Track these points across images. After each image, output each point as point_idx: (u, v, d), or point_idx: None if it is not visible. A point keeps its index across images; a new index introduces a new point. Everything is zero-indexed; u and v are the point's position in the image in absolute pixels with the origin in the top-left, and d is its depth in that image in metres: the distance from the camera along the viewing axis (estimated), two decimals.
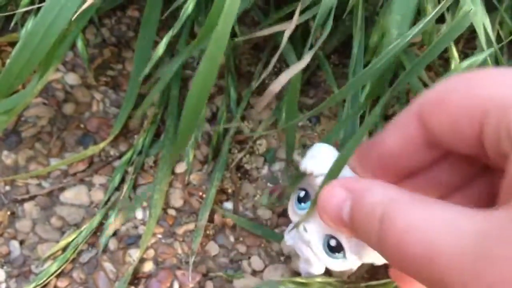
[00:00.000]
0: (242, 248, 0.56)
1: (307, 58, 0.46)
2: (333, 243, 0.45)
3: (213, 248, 0.55)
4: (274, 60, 0.49)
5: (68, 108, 0.62)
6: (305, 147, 0.62)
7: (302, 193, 0.47)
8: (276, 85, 0.45)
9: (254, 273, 0.54)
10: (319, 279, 0.51)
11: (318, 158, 0.45)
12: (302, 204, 0.47)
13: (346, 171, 0.42)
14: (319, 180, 0.44)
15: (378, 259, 0.45)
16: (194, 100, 0.43)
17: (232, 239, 0.56)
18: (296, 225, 0.46)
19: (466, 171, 0.31)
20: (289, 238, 0.50)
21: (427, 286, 0.24)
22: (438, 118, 0.28)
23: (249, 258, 0.55)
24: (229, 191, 0.58)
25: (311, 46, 0.49)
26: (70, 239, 0.54)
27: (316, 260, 0.47)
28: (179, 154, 0.59)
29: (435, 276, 0.22)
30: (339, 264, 0.46)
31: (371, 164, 0.34)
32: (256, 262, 0.55)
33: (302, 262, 0.50)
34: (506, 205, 0.21)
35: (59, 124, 0.61)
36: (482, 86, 0.25)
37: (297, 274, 0.52)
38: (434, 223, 0.22)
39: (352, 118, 0.50)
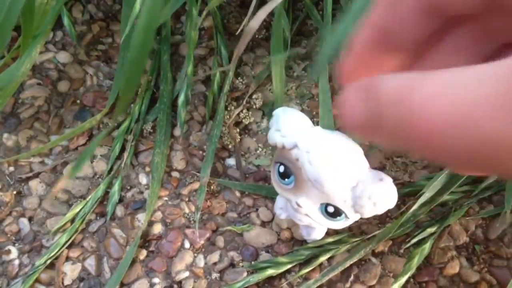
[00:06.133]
0: (249, 201, 0.55)
1: None
2: (331, 209, 0.44)
3: (220, 204, 0.55)
4: (262, 14, 0.48)
5: (63, 86, 0.62)
6: (303, 97, 0.61)
7: (281, 168, 0.45)
8: (255, 22, 0.44)
9: (263, 224, 0.54)
10: (330, 239, 0.50)
11: (285, 129, 0.43)
12: (286, 179, 0.45)
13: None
14: (294, 153, 0.42)
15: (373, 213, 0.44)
16: (140, 38, 0.42)
17: (238, 194, 0.56)
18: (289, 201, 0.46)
19: (473, 41, 0.28)
20: (282, 212, 0.49)
21: (459, 154, 0.21)
22: None
23: (257, 210, 0.55)
24: (230, 147, 0.58)
25: None
26: (77, 210, 0.54)
27: (317, 225, 0.47)
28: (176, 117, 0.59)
29: (467, 133, 0.19)
30: (341, 224, 0.45)
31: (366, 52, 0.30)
32: (264, 213, 0.55)
33: (303, 229, 0.49)
34: None
35: (56, 102, 0.61)
36: None
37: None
38: (459, 81, 0.20)
39: None
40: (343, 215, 0.44)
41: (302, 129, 0.43)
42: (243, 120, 0.60)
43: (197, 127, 0.60)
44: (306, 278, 0.51)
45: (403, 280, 0.50)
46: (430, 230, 0.52)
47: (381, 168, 0.56)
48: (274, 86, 0.55)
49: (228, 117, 0.59)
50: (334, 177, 0.41)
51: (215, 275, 0.52)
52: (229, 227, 0.54)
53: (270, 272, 0.50)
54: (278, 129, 0.43)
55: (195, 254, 0.53)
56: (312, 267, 0.51)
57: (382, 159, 0.57)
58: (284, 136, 0.43)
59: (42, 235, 0.54)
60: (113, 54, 0.64)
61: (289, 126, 0.43)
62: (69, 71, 0.62)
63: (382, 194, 0.41)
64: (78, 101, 0.61)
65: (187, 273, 0.51)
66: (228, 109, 0.60)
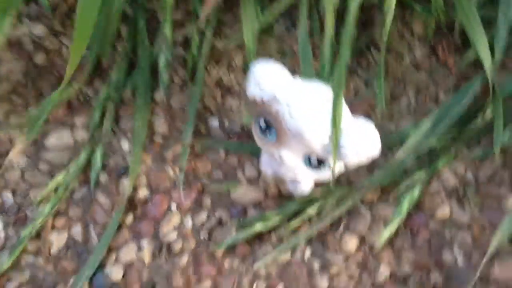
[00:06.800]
0: (233, 160, 0.55)
1: None
2: (314, 160, 0.43)
3: (204, 165, 0.54)
4: None
5: (39, 58, 0.61)
6: (285, 55, 0.60)
7: (262, 122, 0.44)
8: None
9: (250, 181, 0.53)
10: (317, 192, 0.49)
11: (263, 83, 0.42)
12: (268, 135, 0.44)
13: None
14: (274, 107, 0.41)
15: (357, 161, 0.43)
16: None
17: (222, 154, 0.55)
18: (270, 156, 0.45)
19: None
20: (267, 168, 0.48)
21: None
22: None
23: (242, 168, 0.54)
24: (212, 108, 0.57)
25: None
26: (59, 179, 0.53)
27: (303, 178, 0.46)
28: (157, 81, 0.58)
29: None
30: (326, 174, 0.45)
31: None
32: (250, 170, 0.54)
33: (289, 183, 0.48)
34: None
35: (33, 75, 0.60)
36: None
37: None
38: None
39: None
40: (326, 164, 0.43)
41: (281, 82, 0.42)
42: (225, 81, 0.59)
43: (178, 90, 0.59)
44: (295, 231, 0.50)
45: (393, 227, 0.49)
46: (419, 176, 0.51)
47: (366, 117, 0.55)
48: (244, 36, 0.54)
49: (209, 78, 0.58)
50: (315, 128, 0.41)
51: (203, 235, 0.51)
52: (215, 185, 0.53)
53: (259, 227, 0.50)
54: (256, 82, 0.42)
55: (183, 216, 0.52)
56: (301, 220, 0.50)
57: (366, 108, 0.56)
58: (263, 89, 0.42)
59: (26, 206, 0.53)
60: None
61: (268, 79, 0.42)
62: (45, 43, 0.61)
63: (364, 141, 0.41)
64: (56, 73, 0.60)
65: (175, 235, 0.51)
66: (209, 70, 0.59)
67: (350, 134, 0.41)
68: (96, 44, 0.58)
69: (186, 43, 0.61)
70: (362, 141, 0.41)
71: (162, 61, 0.57)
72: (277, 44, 0.61)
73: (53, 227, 0.51)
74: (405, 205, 0.50)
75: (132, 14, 0.61)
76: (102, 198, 0.52)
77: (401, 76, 0.57)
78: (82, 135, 0.56)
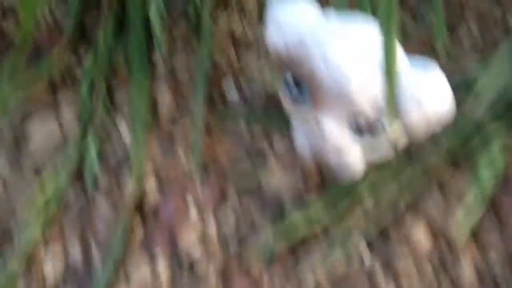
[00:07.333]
0: (259, 135, 0.44)
1: None
2: (362, 122, 0.34)
3: (223, 144, 0.44)
4: None
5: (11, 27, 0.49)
6: None
7: (290, 78, 0.35)
8: None
9: (284, 163, 0.42)
10: (372, 173, 0.39)
11: (285, 24, 0.33)
12: (299, 97, 0.35)
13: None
14: (302, 55, 0.32)
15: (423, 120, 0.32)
16: None
17: (244, 127, 0.44)
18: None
19: None
20: (304, 146, 0.38)
21: None
22: None
23: (272, 145, 0.43)
24: (225, 68, 0.46)
25: None
26: (47, 180, 0.43)
27: (351, 153, 0.36)
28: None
29: None
30: (381, 144, 0.35)
31: None
32: (282, 147, 0.43)
33: (335, 164, 0.38)
34: None
35: (3, 48, 0.49)
36: None
37: None
38: None
39: None
40: (380, 129, 0.34)
41: (309, 20, 0.33)
42: (238, 32, 0.47)
43: (181, 48, 0.47)
44: (349, 229, 0.39)
45: (473, 205, 0.39)
46: (498, 134, 0.40)
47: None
48: None
49: (217, 29, 0.46)
50: (361, 77, 0.31)
51: (233, 245, 0.40)
52: (242, 167, 0.42)
53: (303, 230, 0.40)
54: (277, 24, 0.34)
55: (204, 219, 0.41)
56: (356, 214, 0.39)
57: (419, 46, 0.44)
58: (286, 33, 0.33)
59: (11, 222, 0.42)
60: None
61: (291, 18, 0.33)
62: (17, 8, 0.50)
63: (430, 92, 0.32)
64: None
65: (197, 246, 0.40)
66: (216, 20, 0.47)
67: (410, 83, 0.32)
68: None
69: None
70: (427, 92, 0.32)
71: (152, 9, 0.45)
72: None
73: (46, 247, 0.41)
74: (485, 175, 0.39)
75: None
76: (102, 203, 0.43)
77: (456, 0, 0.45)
78: (69, 118, 0.46)
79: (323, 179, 0.41)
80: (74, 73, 0.47)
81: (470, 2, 0.46)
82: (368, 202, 0.39)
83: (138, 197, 0.42)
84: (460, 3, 0.46)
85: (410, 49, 0.43)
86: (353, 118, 0.34)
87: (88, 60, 0.47)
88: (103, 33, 0.47)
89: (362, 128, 0.34)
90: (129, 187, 0.42)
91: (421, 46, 0.45)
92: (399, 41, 0.32)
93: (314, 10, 0.33)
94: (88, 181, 0.43)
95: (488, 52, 0.44)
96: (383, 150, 0.35)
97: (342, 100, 0.32)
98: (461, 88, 0.42)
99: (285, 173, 0.42)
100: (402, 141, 0.35)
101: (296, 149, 0.39)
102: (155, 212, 0.42)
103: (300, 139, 0.39)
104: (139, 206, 0.42)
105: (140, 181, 0.42)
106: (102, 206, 0.42)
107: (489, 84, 0.41)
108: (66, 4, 0.48)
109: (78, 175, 0.44)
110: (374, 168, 0.39)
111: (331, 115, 0.34)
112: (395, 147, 0.35)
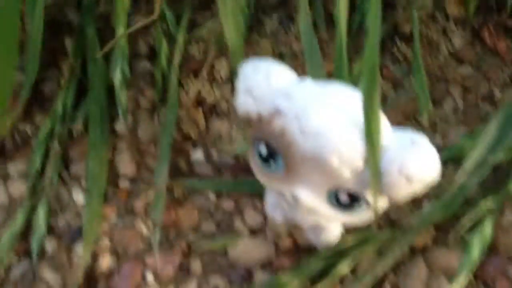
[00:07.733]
0: (229, 205, 0.40)
1: None
2: (343, 197, 0.30)
3: (189, 214, 0.40)
4: None
5: None
6: (282, 56, 0.46)
7: (262, 148, 0.31)
8: None
9: (253, 232, 0.38)
10: (349, 240, 0.35)
11: (257, 90, 0.30)
12: (272, 164, 0.31)
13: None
14: (277, 123, 0.29)
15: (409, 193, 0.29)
16: None
17: (212, 197, 0.40)
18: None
19: None
20: (275, 213, 0.35)
21: None
22: None
23: (242, 215, 0.39)
24: (193, 136, 0.43)
25: None
26: None
27: (328, 223, 0.34)
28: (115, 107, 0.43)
29: None
30: (362, 216, 0.31)
31: None
32: (252, 217, 0.39)
33: (308, 231, 0.35)
34: None
35: None
36: None
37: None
38: None
39: None
40: (362, 202, 0.30)
41: (284, 86, 0.30)
42: (208, 99, 0.44)
43: (146, 117, 0.44)
44: None
45: (461, 279, 0.35)
46: (486, 205, 0.37)
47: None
48: (226, 35, 0.39)
49: (186, 96, 0.44)
50: (342, 147, 0.28)
51: None
52: (206, 243, 0.38)
53: None
54: (248, 90, 0.30)
55: None
56: (331, 283, 0.35)
57: (400, 118, 0.42)
58: (258, 99, 0.30)
59: None
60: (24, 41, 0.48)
61: (265, 84, 0.30)
62: None
63: (417, 162, 0.28)
64: None
65: None
66: (185, 86, 0.44)
67: (395, 153, 0.28)
68: (32, 64, 0.43)
69: (152, 53, 0.47)
70: (414, 162, 0.28)
71: (117, 77, 0.42)
72: (270, 44, 0.46)
73: None
74: (476, 248, 0.35)
75: (78, 21, 0.47)
76: (48, 274, 0.38)
77: (440, 73, 0.44)
78: (19, 188, 0.41)
79: (296, 246, 0.37)
80: (28, 141, 0.44)
81: (453, 73, 0.45)
82: (344, 269, 0.35)
83: (90, 268, 0.37)
84: (445, 78, 0.45)
85: (392, 121, 0.41)
86: (332, 190, 0.30)
87: (43, 130, 0.43)
88: (62, 101, 0.44)
89: (342, 200, 0.31)
90: (80, 257, 0.38)
91: (404, 118, 0.43)
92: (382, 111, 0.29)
93: (289, 76, 0.31)
94: (34, 249, 0.38)
95: (475, 126, 0.42)
96: (363, 218, 0.32)
97: (320, 171, 0.29)
98: (449, 163, 0.39)
99: (254, 241, 0.38)
100: (382, 206, 0.32)
101: (267, 215, 0.36)
102: (108, 283, 0.37)
103: (272, 204, 0.36)
104: (90, 277, 0.37)
105: (92, 250, 0.38)
106: (48, 277, 0.38)
107: (479, 155, 0.39)
108: (23, 70, 0.46)
109: (24, 243, 0.39)
110: (351, 235, 0.36)
111: (309, 188, 0.30)
112: (375, 211, 0.31)
